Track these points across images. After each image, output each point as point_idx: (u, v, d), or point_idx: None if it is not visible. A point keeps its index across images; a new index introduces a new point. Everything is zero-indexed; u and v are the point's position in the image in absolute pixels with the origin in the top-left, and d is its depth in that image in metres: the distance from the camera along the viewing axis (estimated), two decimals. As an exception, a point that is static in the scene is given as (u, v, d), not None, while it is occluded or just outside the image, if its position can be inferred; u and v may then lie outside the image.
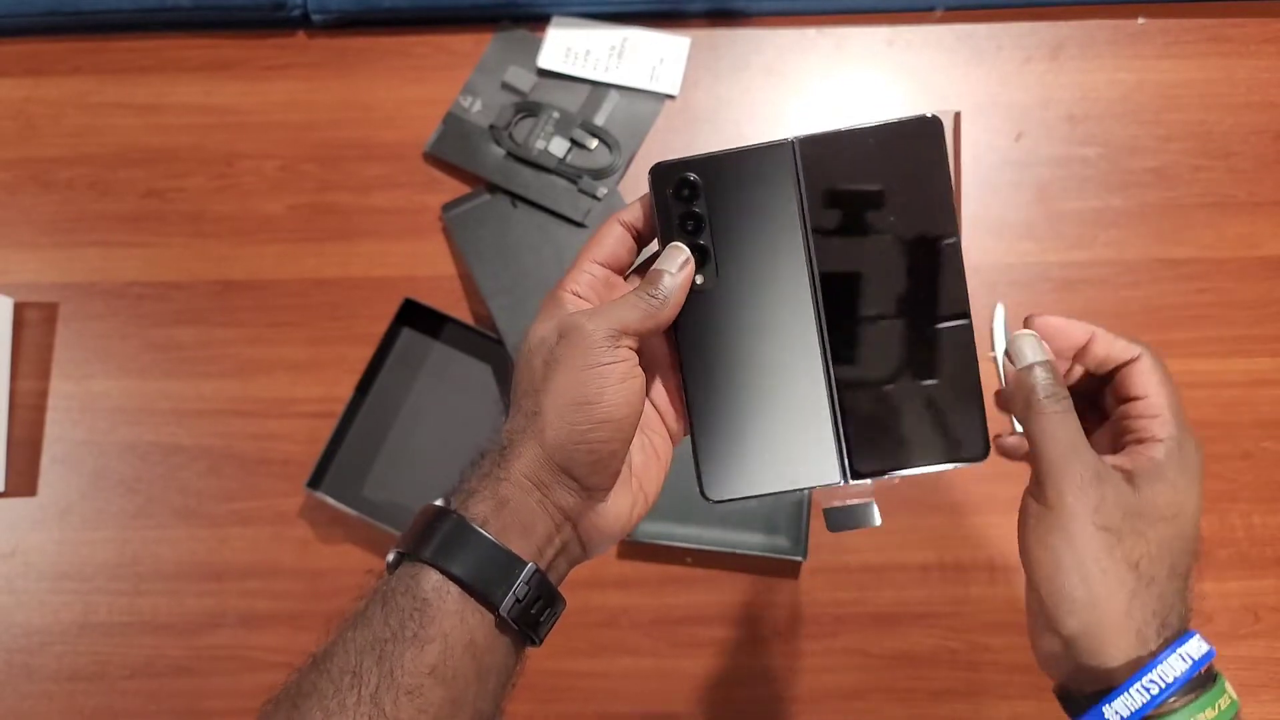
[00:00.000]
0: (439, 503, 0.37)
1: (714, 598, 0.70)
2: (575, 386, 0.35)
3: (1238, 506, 0.71)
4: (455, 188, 0.78)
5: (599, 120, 0.79)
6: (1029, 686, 0.68)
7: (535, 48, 0.80)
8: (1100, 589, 0.34)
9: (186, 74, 0.81)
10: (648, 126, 0.79)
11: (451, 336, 0.74)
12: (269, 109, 0.80)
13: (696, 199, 0.37)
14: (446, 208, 0.76)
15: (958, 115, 0.36)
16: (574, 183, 0.77)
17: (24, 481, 0.72)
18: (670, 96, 0.80)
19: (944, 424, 0.37)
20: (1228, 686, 0.34)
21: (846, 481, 0.37)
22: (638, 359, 0.37)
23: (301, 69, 0.81)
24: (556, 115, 0.79)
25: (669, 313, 0.37)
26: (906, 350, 0.37)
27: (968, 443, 0.37)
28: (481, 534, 0.35)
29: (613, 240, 0.39)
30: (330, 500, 0.68)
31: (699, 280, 0.37)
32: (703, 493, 0.38)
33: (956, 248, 0.36)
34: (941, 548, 0.70)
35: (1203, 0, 0.82)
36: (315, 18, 0.81)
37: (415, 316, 0.74)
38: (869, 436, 0.37)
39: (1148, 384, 0.38)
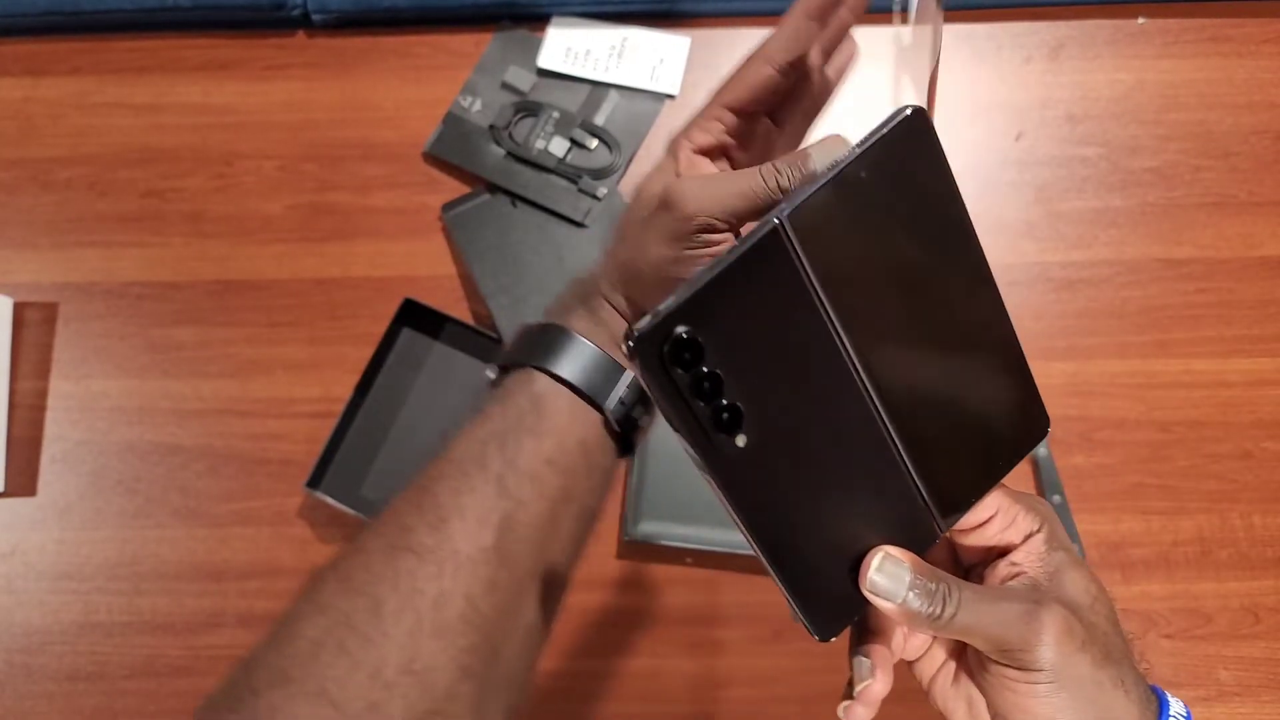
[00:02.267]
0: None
1: (714, 598, 0.70)
2: (659, 266, 0.37)
3: (1237, 507, 0.71)
4: (455, 188, 0.78)
5: (599, 120, 0.79)
6: (1029, 686, 0.68)
7: (535, 47, 0.80)
8: (1104, 701, 0.33)
9: (186, 74, 0.81)
10: (648, 126, 0.79)
11: (451, 336, 0.74)
12: (268, 109, 0.80)
13: (702, 356, 0.28)
14: (446, 208, 0.76)
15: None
16: (574, 182, 0.77)
17: (23, 481, 0.72)
18: (670, 96, 0.80)
19: (1006, 426, 0.34)
20: None
21: (943, 533, 0.34)
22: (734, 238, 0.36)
23: (301, 69, 0.81)
24: (556, 115, 0.79)
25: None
26: (961, 382, 0.33)
27: (1033, 429, 0.35)
28: (586, 342, 0.39)
29: (756, 80, 0.38)
30: (330, 500, 0.68)
31: (740, 442, 0.29)
32: (820, 638, 0.34)
33: (972, 239, 0.31)
34: (941, 548, 0.70)
35: (1203, 0, 0.82)
36: (315, 18, 0.81)
37: (415, 316, 0.74)
38: (948, 483, 0.34)
39: (987, 507, 0.35)
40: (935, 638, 0.37)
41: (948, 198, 0.30)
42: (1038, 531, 0.35)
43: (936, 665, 0.37)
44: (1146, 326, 0.74)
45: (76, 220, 0.78)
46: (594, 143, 0.78)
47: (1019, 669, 0.32)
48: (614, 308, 0.41)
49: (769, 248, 0.28)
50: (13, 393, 0.74)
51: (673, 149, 0.39)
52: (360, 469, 0.72)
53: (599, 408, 0.39)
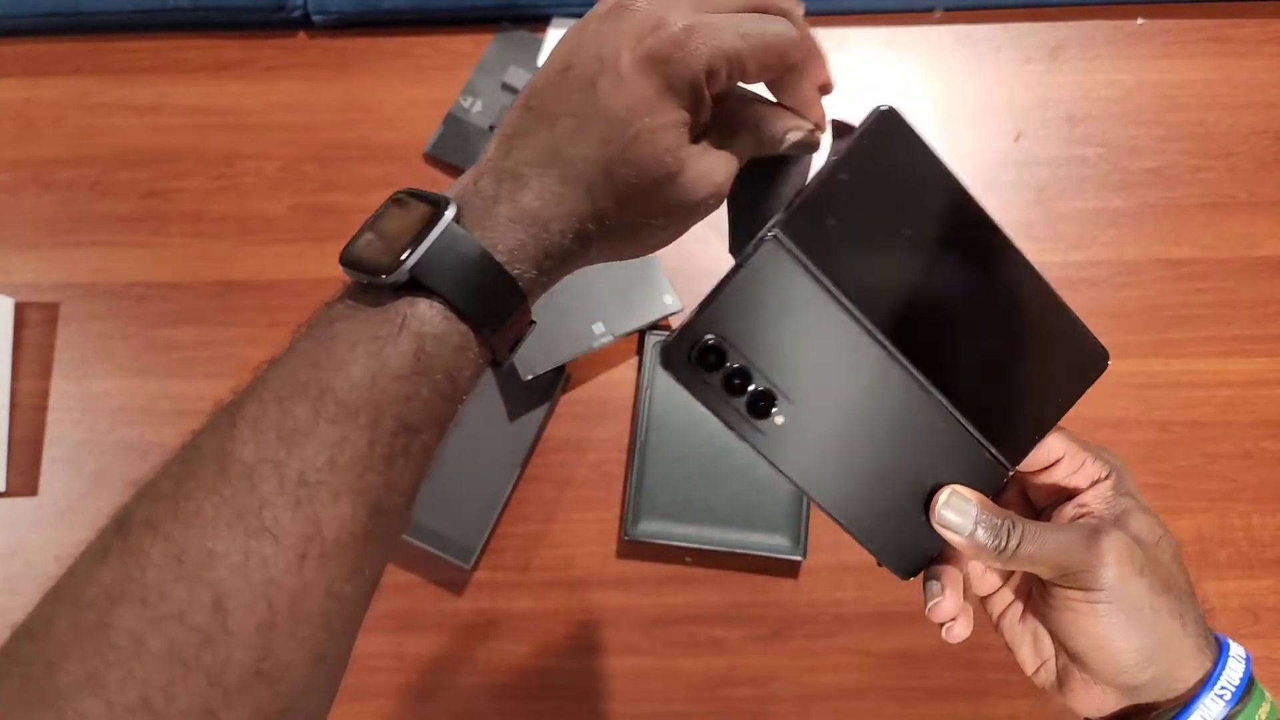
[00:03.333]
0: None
1: (713, 597, 0.70)
2: (672, 231, 0.34)
3: (1237, 506, 0.71)
4: (455, 188, 0.78)
5: (599, 121, 0.79)
6: (1028, 685, 0.67)
7: (535, 48, 0.80)
8: (1161, 628, 0.34)
9: (187, 75, 0.81)
10: (648, 127, 0.79)
11: (452, 337, 0.75)
12: (269, 110, 0.80)
13: (726, 356, 0.32)
14: (447, 208, 0.76)
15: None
16: (574, 183, 0.77)
17: (25, 481, 0.73)
18: (670, 97, 0.80)
19: (1059, 366, 0.37)
20: (1259, 684, 0.36)
21: (1011, 471, 0.37)
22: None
23: (302, 70, 0.82)
24: (556, 116, 0.79)
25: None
26: (997, 333, 0.35)
27: (1088, 364, 0.37)
28: (526, 302, 0.33)
29: (780, 61, 0.33)
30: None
31: (779, 422, 0.33)
32: (900, 576, 0.38)
33: (975, 206, 0.34)
34: (941, 547, 0.70)
35: (1202, 1, 0.82)
36: (316, 18, 0.81)
37: (415, 317, 0.74)
38: (1007, 427, 0.36)
39: (1054, 449, 0.37)
40: (1004, 581, 0.40)
41: (938, 176, 0.33)
42: (1105, 478, 0.37)
43: (1005, 604, 0.40)
44: (1146, 326, 0.74)
45: (78, 221, 0.78)
46: (594, 143, 0.78)
47: (1080, 589, 0.34)
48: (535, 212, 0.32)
49: (770, 256, 0.31)
50: (14, 393, 0.74)
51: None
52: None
53: (499, 363, 0.34)
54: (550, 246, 0.32)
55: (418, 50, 0.82)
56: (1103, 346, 0.37)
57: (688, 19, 0.30)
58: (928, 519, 0.36)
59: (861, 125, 0.32)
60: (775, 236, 0.31)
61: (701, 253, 0.77)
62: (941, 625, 0.37)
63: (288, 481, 0.28)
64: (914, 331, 0.34)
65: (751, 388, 0.33)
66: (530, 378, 0.68)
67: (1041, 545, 0.34)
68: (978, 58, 0.81)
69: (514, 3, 0.81)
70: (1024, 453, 0.37)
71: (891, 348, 0.34)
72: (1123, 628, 0.34)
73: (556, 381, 0.72)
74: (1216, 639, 0.36)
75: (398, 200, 0.33)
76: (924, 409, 0.35)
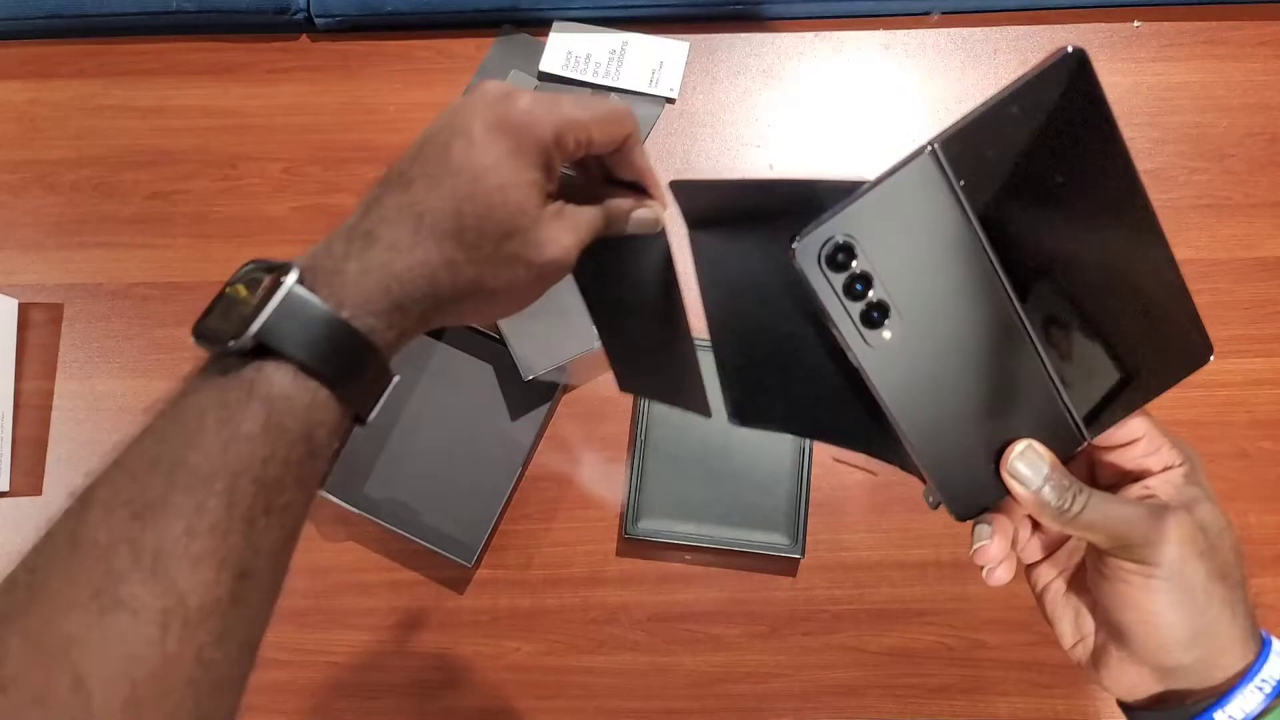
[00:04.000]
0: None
1: (712, 594, 0.70)
2: (524, 293, 0.36)
3: (1234, 506, 0.72)
4: (457, 189, 0.79)
5: (599, 123, 0.80)
6: (1026, 683, 0.68)
7: (537, 52, 0.81)
8: (1212, 614, 0.34)
9: (191, 77, 0.82)
10: (648, 130, 0.80)
11: (454, 337, 0.75)
12: (273, 112, 0.81)
13: (853, 259, 0.32)
14: (448, 209, 0.77)
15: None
16: (574, 185, 0.78)
17: (29, 481, 0.73)
18: (670, 100, 0.81)
19: (1161, 349, 0.36)
20: None
21: (1087, 441, 0.37)
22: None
23: (305, 72, 0.82)
24: (557, 118, 0.79)
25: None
26: (1113, 302, 0.35)
27: (1190, 352, 0.36)
28: (379, 353, 0.33)
29: (619, 133, 0.35)
30: (333, 499, 0.68)
31: (887, 336, 0.33)
32: (957, 517, 0.38)
33: (1131, 170, 0.33)
34: (939, 545, 0.70)
35: (1198, 4, 0.82)
36: (318, 22, 0.82)
37: (417, 317, 0.74)
38: (1095, 397, 0.36)
39: (1134, 429, 0.38)
40: (1047, 552, 0.40)
41: (1105, 133, 0.32)
42: (1179, 465, 0.37)
43: (1050, 577, 0.40)
44: (1142, 327, 0.74)
45: (82, 222, 0.78)
46: (594, 145, 0.79)
47: (1138, 563, 0.34)
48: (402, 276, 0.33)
49: (922, 169, 0.31)
50: (18, 393, 0.74)
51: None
52: (363, 468, 0.72)
53: (361, 419, 0.34)
54: (402, 298, 0.32)
55: (420, 53, 0.82)
56: (1209, 341, 0.36)
57: (533, 96, 0.33)
58: (998, 467, 0.36)
59: (1045, 62, 0.31)
60: (933, 151, 0.31)
61: (701, 254, 0.77)
62: (984, 568, 0.37)
63: (143, 555, 0.28)
64: (1036, 279, 0.34)
65: (871, 296, 0.33)
66: (531, 378, 0.68)
67: (1105, 515, 0.35)
68: (975, 60, 0.82)
69: (515, 6, 0.82)
70: (1105, 426, 0.37)
71: (1010, 290, 0.33)
72: (1174, 606, 0.34)
73: (557, 381, 0.73)
74: (1262, 635, 0.36)
75: (246, 271, 0.33)
76: (1023, 359, 0.35)
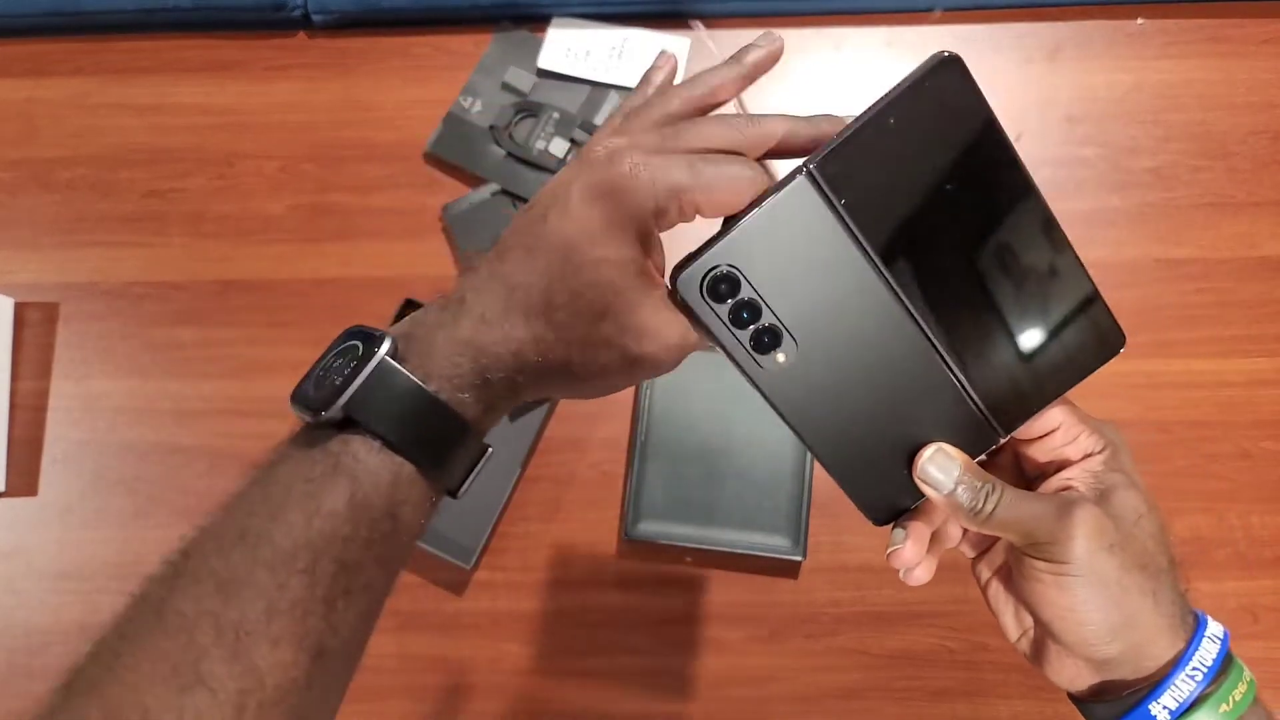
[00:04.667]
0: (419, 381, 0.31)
1: (713, 597, 0.70)
2: (614, 380, 0.33)
3: (1236, 507, 0.71)
4: (455, 188, 0.78)
5: (599, 120, 0.79)
6: (1028, 686, 0.68)
7: (535, 48, 0.80)
8: (1130, 605, 0.34)
9: (187, 74, 0.81)
10: (647, 127, 0.79)
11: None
12: (269, 109, 0.80)
13: (738, 287, 0.32)
14: (447, 208, 0.76)
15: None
16: (574, 183, 0.77)
17: (25, 481, 0.73)
18: (670, 97, 0.80)
19: (1072, 342, 0.36)
20: (1239, 661, 0.35)
21: (1002, 438, 0.37)
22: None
23: (302, 69, 0.82)
24: (557, 116, 0.79)
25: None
26: (1015, 300, 0.35)
27: (1102, 342, 0.36)
28: (476, 440, 0.33)
29: (736, 199, 0.31)
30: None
31: (781, 359, 0.33)
32: (873, 522, 0.38)
33: (1020, 169, 0.33)
34: (940, 547, 0.70)
35: (1202, 1, 0.82)
36: (316, 18, 0.81)
37: (415, 316, 0.74)
38: (1006, 394, 0.36)
39: (1051, 419, 0.38)
40: (983, 553, 0.41)
41: (988, 136, 0.32)
42: (1099, 452, 0.37)
43: (992, 570, 0.40)
44: (1145, 327, 0.74)
45: (78, 220, 0.78)
46: (594, 143, 0.78)
47: (1047, 561, 0.34)
48: (498, 354, 0.32)
49: (799, 192, 0.31)
50: (14, 393, 0.74)
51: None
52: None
53: (452, 492, 0.34)
54: (489, 371, 0.32)
55: (418, 50, 0.82)
56: (1120, 329, 0.37)
57: (642, 156, 0.31)
58: (911, 472, 0.36)
59: (919, 70, 0.31)
60: (809, 172, 0.31)
61: (701, 253, 0.77)
62: (900, 570, 0.38)
63: (225, 632, 0.28)
64: (932, 287, 0.34)
65: (759, 323, 0.33)
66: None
67: (1016, 512, 0.35)
68: (977, 58, 0.80)
69: (514, 2, 0.81)
70: (1019, 421, 0.37)
71: (906, 300, 0.33)
72: (1088, 602, 0.34)
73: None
74: (1197, 617, 0.36)
75: (344, 337, 0.34)
76: (927, 365, 0.35)
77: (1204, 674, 0.34)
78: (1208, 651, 0.34)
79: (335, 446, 0.31)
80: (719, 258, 0.31)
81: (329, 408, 0.30)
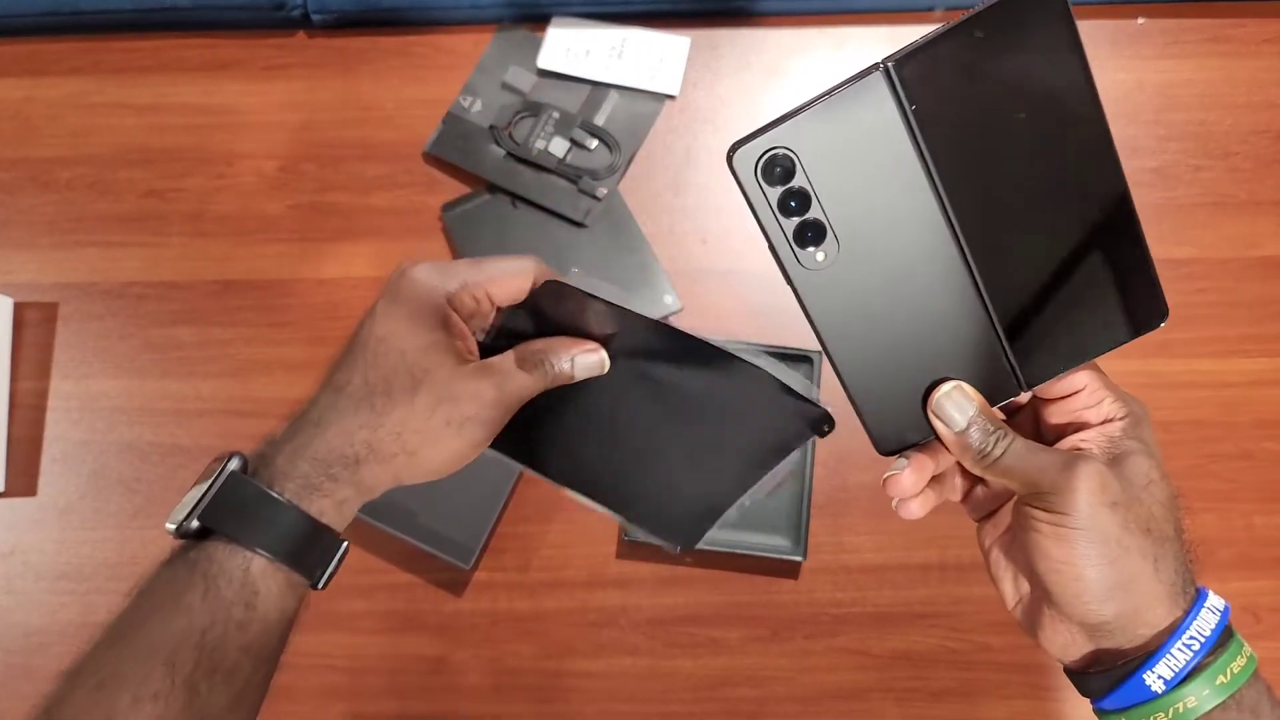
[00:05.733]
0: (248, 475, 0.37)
1: (713, 598, 0.70)
2: (455, 462, 0.38)
3: (1238, 507, 0.71)
4: (455, 188, 0.78)
5: (599, 120, 0.79)
6: (1029, 686, 0.68)
7: (535, 48, 0.80)
8: (1129, 566, 0.34)
9: (186, 74, 0.81)
10: (648, 126, 0.79)
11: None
12: (269, 109, 0.80)
13: (792, 174, 0.31)
14: (446, 208, 0.76)
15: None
16: (574, 183, 0.77)
17: (24, 481, 0.72)
18: (670, 96, 0.80)
19: (1113, 307, 0.35)
20: (1240, 637, 0.35)
21: (1024, 390, 0.36)
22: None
23: (301, 69, 0.81)
24: (556, 115, 0.79)
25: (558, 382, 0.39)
26: (1065, 253, 0.34)
27: (1143, 313, 0.35)
28: (310, 519, 0.36)
29: (517, 286, 0.39)
30: (330, 500, 0.68)
31: (820, 258, 0.33)
32: (878, 449, 0.37)
33: (1098, 116, 0.32)
34: (942, 547, 0.70)
35: (1203, 0, 0.82)
36: (315, 18, 0.81)
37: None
38: (1037, 347, 0.35)
39: (1076, 381, 0.37)
40: (989, 515, 0.40)
41: (1073, 71, 0.31)
42: (1119, 419, 0.37)
43: (995, 535, 0.40)
44: (1146, 326, 0.74)
45: (76, 220, 0.78)
46: (594, 143, 0.78)
47: (1048, 511, 0.34)
48: (371, 489, 0.38)
49: (871, 88, 0.30)
50: (13, 393, 0.74)
51: (438, 305, 0.38)
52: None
53: (311, 584, 0.37)
54: (331, 468, 0.36)
55: (417, 49, 0.82)
56: (1165, 303, 0.35)
57: (433, 264, 0.38)
58: (926, 405, 0.35)
59: None
60: (885, 69, 0.30)
61: (701, 253, 0.77)
62: (894, 500, 0.37)
63: None
64: (983, 216, 0.32)
65: (806, 215, 0.32)
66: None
67: (1021, 460, 0.35)
68: (978, 57, 0.81)
69: (513, 2, 0.81)
70: (1044, 378, 0.36)
71: (956, 224, 0.32)
72: (1086, 556, 0.33)
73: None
74: (1199, 590, 0.35)
75: (209, 466, 0.39)
76: (964, 299, 0.34)
77: (1201, 644, 0.33)
78: (1206, 622, 0.34)
79: (194, 554, 0.35)
80: (779, 139, 0.31)
81: (189, 521, 0.35)
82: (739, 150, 0.31)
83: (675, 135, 0.80)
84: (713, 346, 0.37)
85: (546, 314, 0.39)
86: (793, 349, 0.70)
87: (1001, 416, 0.36)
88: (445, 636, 0.69)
